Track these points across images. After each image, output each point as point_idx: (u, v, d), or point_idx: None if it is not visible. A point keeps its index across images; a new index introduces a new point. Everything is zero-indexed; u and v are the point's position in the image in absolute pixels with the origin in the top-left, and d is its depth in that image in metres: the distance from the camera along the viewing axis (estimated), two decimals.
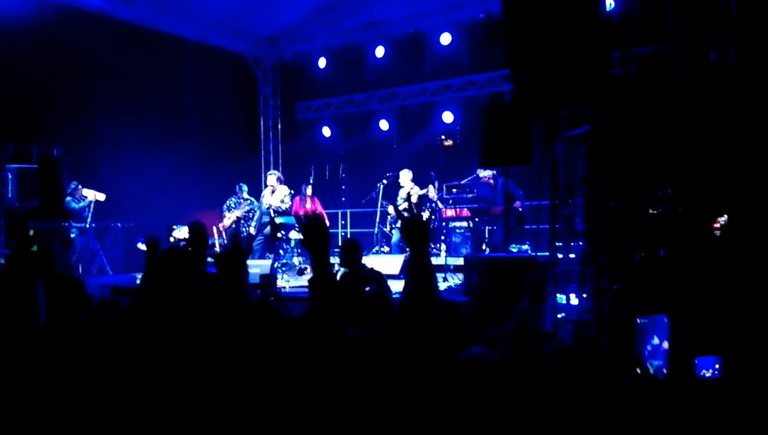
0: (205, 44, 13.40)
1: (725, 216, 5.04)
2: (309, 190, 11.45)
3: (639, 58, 7.72)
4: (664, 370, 3.67)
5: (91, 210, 10.33)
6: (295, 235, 10.11)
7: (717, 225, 5.36)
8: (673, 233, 4.66)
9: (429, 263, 3.46)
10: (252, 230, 11.33)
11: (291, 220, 10.48)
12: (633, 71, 5.08)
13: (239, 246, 3.16)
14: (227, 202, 11.75)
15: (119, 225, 11.24)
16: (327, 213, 12.94)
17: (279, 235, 9.90)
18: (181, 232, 9.93)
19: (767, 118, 4.18)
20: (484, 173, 9.87)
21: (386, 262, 9.77)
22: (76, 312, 2.75)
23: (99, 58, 11.43)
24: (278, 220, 10.16)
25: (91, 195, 10.31)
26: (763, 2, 4.41)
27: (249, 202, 11.65)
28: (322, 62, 14.04)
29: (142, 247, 9.97)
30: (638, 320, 4.03)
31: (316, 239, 3.01)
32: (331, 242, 3.26)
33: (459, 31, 12.35)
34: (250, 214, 11.53)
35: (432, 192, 10.82)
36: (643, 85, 4.90)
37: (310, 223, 3.22)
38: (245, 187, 11.72)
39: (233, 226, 11.53)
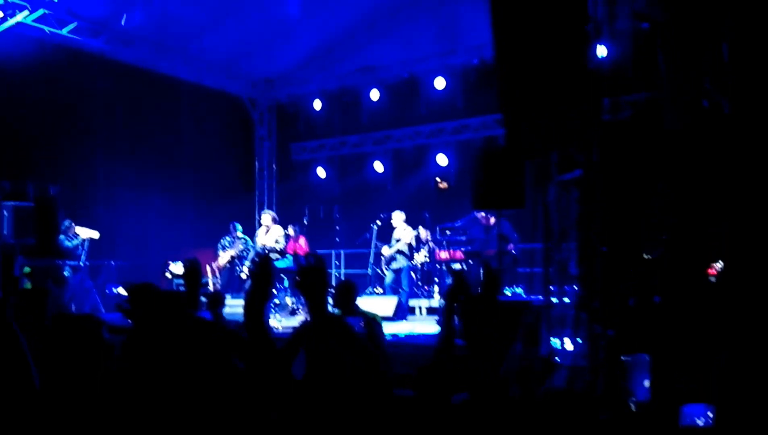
0: (202, 85, 13.53)
1: (720, 262, 5.07)
2: (289, 231, 11.49)
3: (631, 104, 7.84)
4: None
5: (86, 248, 10.28)
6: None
7: (713, 271, 5.38)
8: (667, 279, 4.68)
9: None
10: (245, 269, 11.31)
11: (287, 263, 10.50)
12: (625, 117, 5.17)
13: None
14: (221, 241, 11.73)
15: (113, 263, 11.19)
16: (321, 253, 12.94)
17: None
18: (177, 267, 9.90)
19: (762, 165, 4.22)
20: (481, 215, 9.91)
21: (379, 304, 9.73)
22: (90, 363, 2.57)
23: (97, 97, 11.52)
24: (277, 263, 10.17)
25: (84, 233, 10.27)
26: (756, 53, 4.49)
27: (243, 241, 11.64)
28: (317, 104, 14.16)
29: (121, 291, 9.90)
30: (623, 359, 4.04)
31: (312, 283, 2.97)
32: (327, 287, 3.20)
33: (453, 76, 12.51)
34: (245, 253, 11.51)
35: (423, 233, 10.85)
36: (635, 131, 4.98)
37: (308, 267, 3.18)
38: (239, 226, 11.73)
39: (227, 265, 11.50)
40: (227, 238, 11.68)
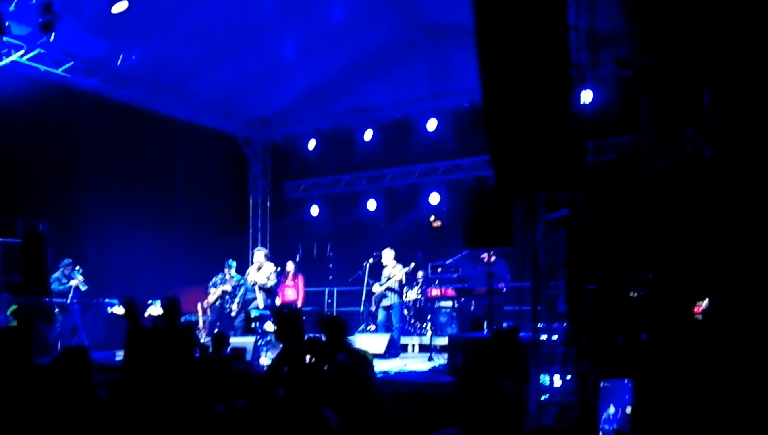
0: (197, 124, 13.60)
1: (706, 300, 5.14)
2: (289, 266, 11.52)
3: (615, 146, 8.00)
4: None
5: (72, 292, 10.23)
6: (270, 326, 10.06)
7: (698, 309, 5.45)
8: (654, 316, 4.74)
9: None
10: (234, 307, 11.29)
11: (266, 312, 10.47)
12: (609, 159, 5.30)
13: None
14: (213, 278, 11.69)
15: (101, 301, 11.12)
16: (313, 291, 12.95)
17: (253, 326, 9.92)
18: (156, 309, 9.83)
19: (742, 207, 4.33)
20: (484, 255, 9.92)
21: (372, 341, 9.74)
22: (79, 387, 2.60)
23: (90, 135, 11.55)
24: (254, 313, 10.20)
25: (75, 281, 10.26)
26: (736, 98, 4.64)
27: (236, 279, 11.62)
28: (311, 144, 14.28)
29: (117, 310, 9.81)
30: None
31: (289, 331, 3.07)
32: (304, 334, 3.32)
33: (445, 117, 12.70)
34: (236, 290, 11.49)
35: (418, 273, 10.91)
36: (620, 172, 5.10)
37: (283, 316, 3.29)
38: (233, 264, 11.70)
39: (218, 301, 11.46)
40: (219, 275, 11.66)
